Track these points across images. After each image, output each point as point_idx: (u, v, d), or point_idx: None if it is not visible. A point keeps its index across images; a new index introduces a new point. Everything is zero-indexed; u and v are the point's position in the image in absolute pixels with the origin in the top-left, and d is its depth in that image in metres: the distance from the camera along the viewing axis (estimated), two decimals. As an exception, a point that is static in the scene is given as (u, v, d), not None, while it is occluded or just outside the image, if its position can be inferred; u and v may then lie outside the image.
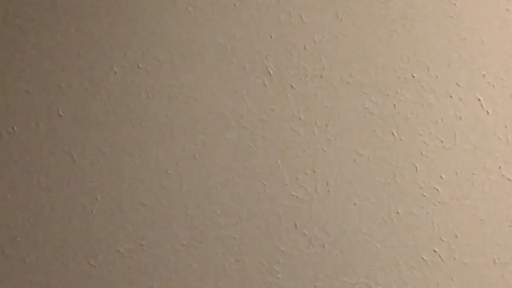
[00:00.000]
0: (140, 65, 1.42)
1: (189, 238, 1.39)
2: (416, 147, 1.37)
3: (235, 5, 1.42)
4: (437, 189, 1.37)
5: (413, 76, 1.38)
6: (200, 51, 1.42)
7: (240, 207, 1.39)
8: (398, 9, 1.39)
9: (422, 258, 1.37)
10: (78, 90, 1.42)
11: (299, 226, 1.38)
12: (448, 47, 1.38)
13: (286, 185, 1.39)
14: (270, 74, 1.40)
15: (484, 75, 1.37)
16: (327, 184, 1.38)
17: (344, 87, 1.39)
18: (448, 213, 1.36)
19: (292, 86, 1.40)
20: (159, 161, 1.40)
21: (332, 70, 1.40)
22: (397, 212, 1.37)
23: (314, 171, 1.38)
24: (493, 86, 1.37)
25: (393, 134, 1.38)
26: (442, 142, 1.37)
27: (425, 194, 1.37)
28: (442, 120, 1.38)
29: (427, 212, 1.37)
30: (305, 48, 1.40)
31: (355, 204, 1.38)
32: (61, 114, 1.42)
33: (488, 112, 1.37)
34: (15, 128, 1.42)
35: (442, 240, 1.36)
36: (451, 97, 1.38)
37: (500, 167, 1.36)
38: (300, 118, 1.39)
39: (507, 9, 1.38)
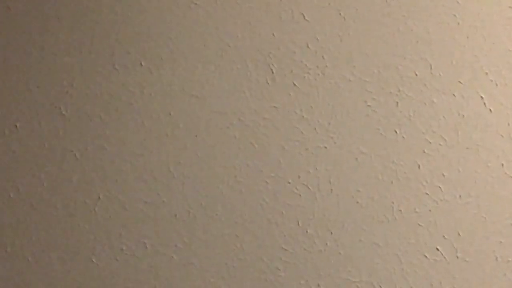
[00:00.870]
0: (142, 63, 1.42)
1: (192, 236, 1.39)
2: (418, 145, 1.37)
3: (237, 3, 1.42)
4: (440, 187, 1.37)
5: (416, 74, 1.38)
6: (203, 49, 1.42)
7: (242, 206, 1.39)
8: (401, 7, 1.39)
9: (425, 256, 1.37)
10: (80, 88, 1.42)
11: (301, 224, 1.38)
12: (450, 45, 1.38)
13: (288, 183, 1.39)
14: (272, 72, 1.40)
15: (486, 73, 1.37)
16: (330, 182, 1.38)
17: (346, 85, 1.39)
18: (451, 211, 1.36)
19: (294, 84, 1.40)
20: (162, 159, 1.40)
21: (335, 68, 1.39)
22: (400, 210, 1.37)
23: (317, 169, 1.38)
24: (496, 84, 1.37)
25: (396, 132, 1.38)
26: (445, 140, 1.37)
27: (427, 192, 1.37)
28: (444, 118, 1.37)
29: (430, 210, 1.37)
30: (307, 46, 1.40)
31: (357, 202, 1.38)
32: (64, 112, 1.42)
33: (490, 110, 1.37)
34: (17, 126, 1.42)
35: (445, 238, 1.36)
36: (453, 95, 1.38)
37: (502, 165, 1.36)
38: (303, 116, 1.39)
39: (510, 7, 1.38)
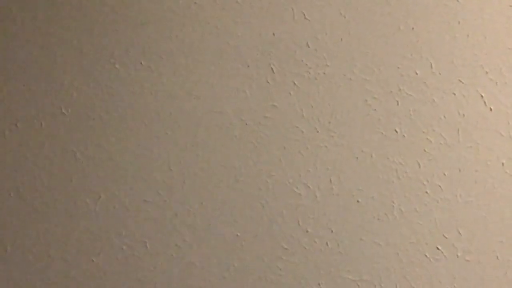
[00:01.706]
0: (142, 63, 1.42)
1: (192, 236, 1.39)
2: (419, 144, 1.37)
3: (237, 2, 1.42)
4: (440, 186, 1.37)
5: (416, 73, 1.38)
6: (203, 49, 1.42)
7: (243, 205, 1.39)
8: (401, 6, 1.39)
9: (425, 255, 1.37)
10: (80, 88, 1.42)
11: (302, 223, 1.38)
12: (451, 44, 1.38)
13: (289, 182, 1.39)
14: (273, 72, 1.40)
15: (487, 72, 1.37)
16: (330, 181, 1.38)
17: (347, 84, 1.39)
18: (451, 210, 1.36)
19: (295, 83, 1.40)
20: (162, 158, 1.40)
21: (335, 67, 1.39)
22: (400, 209, 1.37)
23: (317, 169, 1.38)
24: (496, 83, 1.37)
25: (396, 131, 1.38)
26: (445, 139, 1.37)
27: (428, 191, 1.37)
28: (445, 117, 1.37)
29: (430, 209, 1.37)
30: (308, 45, 1.40)
31: (358, 201, 1.38)
32: (64, 111, 1.42)
33: (491, 109, 1.37)
34: (18, 126, 1.42)
35: (445, 237, 1.36)
36: (454, 94, 1.38)
37: (503, 164, 1.36)
38: (303, 116, 1.39)
39: (510, 6, 1.38)
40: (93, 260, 1.40)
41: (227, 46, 1.41)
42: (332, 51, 1.40)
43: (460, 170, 1.37)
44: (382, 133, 1.38)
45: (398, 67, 1.38)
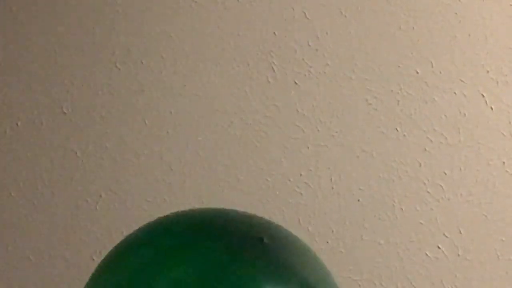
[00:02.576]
0: (143, 62, 1.42)
1: (193, 235, 1.39)
2: (419, 143, 1.37)
3: (238, 1, 1.42)
4: (441, 186, 1.37)
5: (417, 72, 1.38)
6: (204, 48, 1.42)
7: (243, 204, 1.39)
8: (402, 5, 1.39)
9: (426, 254, 1.37)
10: (81, 87, 1.42)
11: (302, 222, 1.38)
12: (452, 43, 1.38)
13: (289, 181, 1.39)
14: (273, 71, 1.40)
15: (488, 72, 1.37)
16: (331, 180, 1.38)
17: (347, 84, 1.39)
18: (452, 210, 1.36)
19: (295, 82, 1.40)
20: (163, 157, 1.40)
21: (336, 66, 1.40)
22: (401, 209, 1.37)
23: (318, 168, 1.39)
24: (497, 82, 1.37)
25: (397, 130, 1.38)
26: (446, 138, 1.37)
27: (428, 190, 1.37)
28: (445, 116, 1.38)
29: (431, 209, 1.37)
30: (308, 44, 1.40)
31: (358, 200, 1.38)
32: (65, 111, 1.42)
33: (492, 108, 1.37)
34: (18, 125, 1.42)
35: (446, 236, 1.37)
36: (455, 93, 1.38)
37: (504, 163, 1.36)
38: (304, 115, 1.39)
39: (511, 5, 1.38)
40: (93, 259, 1.40)
41: (228, 45, 1.41)
42: (333, 50, 1.40)
43: (461, 169, 1.37)
44: (383, 132, 1.38)
45: (399, 66, 1.38)
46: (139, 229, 0.68)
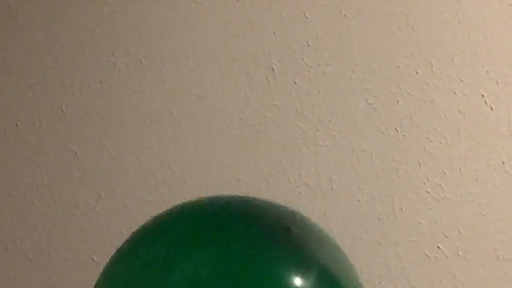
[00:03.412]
0: (143, 61, 1.42)
1: (193, 235, 1.39)
2: (419, 143, 1.37)
3: (238, 1, 1.42)
4: (441, 185, 1.37)
5: (417, 72, 1.38)
6: (203, 48, 1.41)
7: (243, 204, 1.39)
8: (402, 5, 1.39)
9: (426, 254, 1.37)
10: (81, 87, 1.42)
11: (302, 222, 1.38)
12: (452, 43, 1.38)
13: (289, 181, 1.39)
14: (273, 70, 1.40)
15: (487, 71, 1.37)
16: (331, 180, 1.38)
17: (347, 83, 1.39)
18: (452, 209, 1.36)
19: (295, 82, 1.40)
20: (163, 157, 1.40)
21: (335, 66, 1.39)
22: (400, 209, 1.37)
23: (317, 168, 1.38)
24: (497, 82, 1.37)
25: (397, 130, 1.38)
26: (446, 138, 1.37)
27: (428, 190, 1.37)
28: (445, 116, 1.37)
29: (431, 208, 1.36)
30: (308, 44, 1.40)
31: (358, 200, 1.38)
32: (64, 110, 1.42)
33: (491, 108, 1.37)
34: (18, 125, 1.42)
35: (446, 236, 1.36)
36: (454, 93, 1.38)
37: (503, 162, 1.36)
38: (303, 114, 1.39)
39: (511, 4, 1.38)
40: (93, 259, 1.40)
41: (228, 45, 1.41)
42: (333, 50, 1.40)
43: (460, 169, 1.37)
44: (383, 132, 1.38)
45: (399, 66, 1.38)
46: (155, 218, 0.68)
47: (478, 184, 1.36)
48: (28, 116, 1.42)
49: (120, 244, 1.37)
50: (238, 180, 1.39)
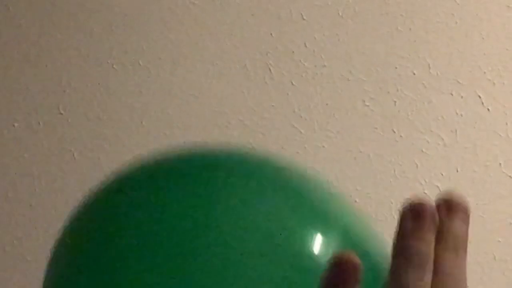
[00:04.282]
0: (140, 63, 1.42)
1: (190, 236, 1.39)
2: (416, 144, 1.37)
3: (236, 3, 1.42)
4: (438, 186, 1.37)
5: (414, 74, 1.38)
6: (201, 49, 1.42)
7: (241, 205, 1.39)
8: (399, 6, 1.39)
9: (423, 255, 1.37)
10: (78, 88, 1.42)
11: (299, 223, 1.38)
12: (449, 44, 1.38)
13: (286, 182, 1.38)
14: (270, 72, 1.40)
15: (484, 73, 1.37)
16: (328, 181, 1.38)
17: (344, 85, 1.39)
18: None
19: (292, 83, 1.40)
20: (160, 158, 1.40)
21: (333, 67, 1.40)
22: (398, 210, 1.37)
23: (315, 168, 1.38)
24: (494, 83, 1.37)
25: (394, 131, 1.38)
26: (443, 139, 1.37)
27: (426, 191, 1.37)
28: (442, 117, 1.38)
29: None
30: (305, 45, 1.40)
31: (356, 201, 1.38)
32: (62, 111, 1.42)
33: (488, 110, 1.37)
34: (15, 126, 1.42)
35: (443, 237, 1.36)
36: (451, 94, 1.38)
37: (500, 164, 1.36)
38: (301, 116, 1.39)
39: (508, 6, 1.38)
40: (91, 260, 1.40)
41: (225, 46, 1.41)
42: (330, 51, 1.40)
43: (457, 170, 1.37)
44: (380, 133, 1.38)
45: (396, 67, 1.39)
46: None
47: (475, 185, 1.36)
48: (26, 117, 1.42)
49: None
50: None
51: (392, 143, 1.38)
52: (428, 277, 0.46)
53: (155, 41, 1.42)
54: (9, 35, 1.43)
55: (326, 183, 0.63)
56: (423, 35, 1.39)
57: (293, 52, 1.40)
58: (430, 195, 1.42)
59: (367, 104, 1.39)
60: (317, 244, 0.53)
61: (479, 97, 1.37)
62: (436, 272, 0.46)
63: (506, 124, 1.37)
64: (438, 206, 0.49)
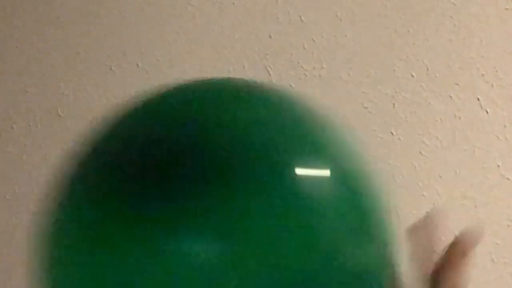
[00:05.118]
0: (139, 65, 1.42)
1: (188, 238, 1.39)
2: (415, 146, 1.37)
3: (234, 4, 1.42)
4: (436, 189, 1.37)
5: (412, 76, 1.38)
6: (199, 51, 1.41)
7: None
8: (397, 8, 1.39)
9: (421, 257, 1.36)
10: (77, 90, 1.42)
11: (298, 225, 1.38)
12: (447, 46, 1.38)
13: (285, 184, 1.38)
14: (269, 74, 1.40)
15: (483, 75, 1.38)
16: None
17: (343, 87, 1.39)
18: (447, 213, 1.36)
19: (291, 85, 1.40)
20: (158, 160, 1.40)
21: (331, 69, 1.40)
22: (396, 212, 1.37)
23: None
24: (492, 85, 1.37)
25: (392, 134, 1.38)
26: (441, 141, 1.37)
27: (424, 194, 1.37)
28: (441, 119, 1.38)
29: (426, 212, 1.36)
30: (304, 47, 1.40)
31: (354, 203, 1.38)
32: (60, 113, 1.42)
33: (487, 112, 1.37)
34: (13, 128, 1.42)
35: (441, 239, 1.36)
36: (450, 96, 1.38)
37: (498, 166, 1.36)
38: (299, 118, 1.39)
39: (506, 9, 1.38)
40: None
41: (224, 48, 1.41)
42: (328, 53, 1.40)
43: (456, 173, 1.37)
44: (378, 136, 1.38)
45: (394, 70, 1.39)
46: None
47: (474, 187, 1.36)
48: (24, 119, 1.42)
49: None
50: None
51: (390, 145, 1.38)
52: None
53: (153, 43, 1.42)
54: (6, 37, 1.43)
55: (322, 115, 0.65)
56: (421, 37, 1.39)
57: (291, 54, 1.40)
58: (429, 198, 1.43)
59: (366, 106, 1.39)
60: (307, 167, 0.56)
61: (478, 99, 1.37)
62: None
63: (505, 126, 1.37)
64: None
